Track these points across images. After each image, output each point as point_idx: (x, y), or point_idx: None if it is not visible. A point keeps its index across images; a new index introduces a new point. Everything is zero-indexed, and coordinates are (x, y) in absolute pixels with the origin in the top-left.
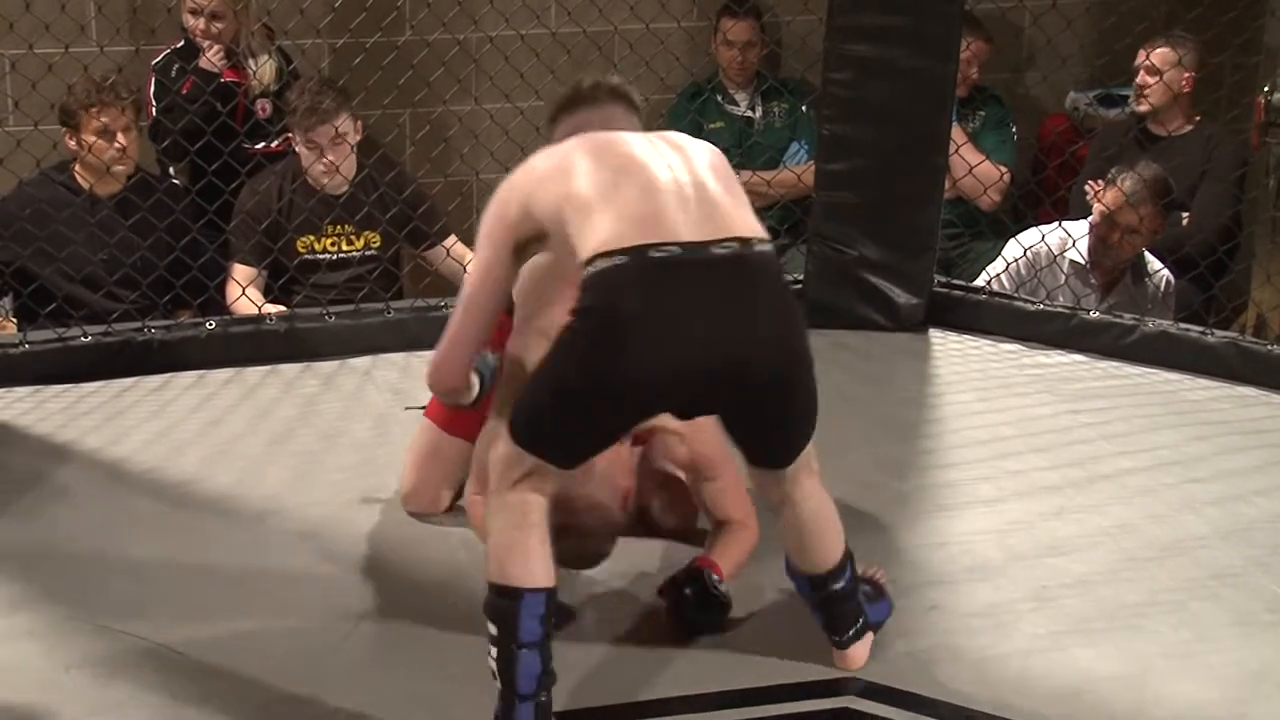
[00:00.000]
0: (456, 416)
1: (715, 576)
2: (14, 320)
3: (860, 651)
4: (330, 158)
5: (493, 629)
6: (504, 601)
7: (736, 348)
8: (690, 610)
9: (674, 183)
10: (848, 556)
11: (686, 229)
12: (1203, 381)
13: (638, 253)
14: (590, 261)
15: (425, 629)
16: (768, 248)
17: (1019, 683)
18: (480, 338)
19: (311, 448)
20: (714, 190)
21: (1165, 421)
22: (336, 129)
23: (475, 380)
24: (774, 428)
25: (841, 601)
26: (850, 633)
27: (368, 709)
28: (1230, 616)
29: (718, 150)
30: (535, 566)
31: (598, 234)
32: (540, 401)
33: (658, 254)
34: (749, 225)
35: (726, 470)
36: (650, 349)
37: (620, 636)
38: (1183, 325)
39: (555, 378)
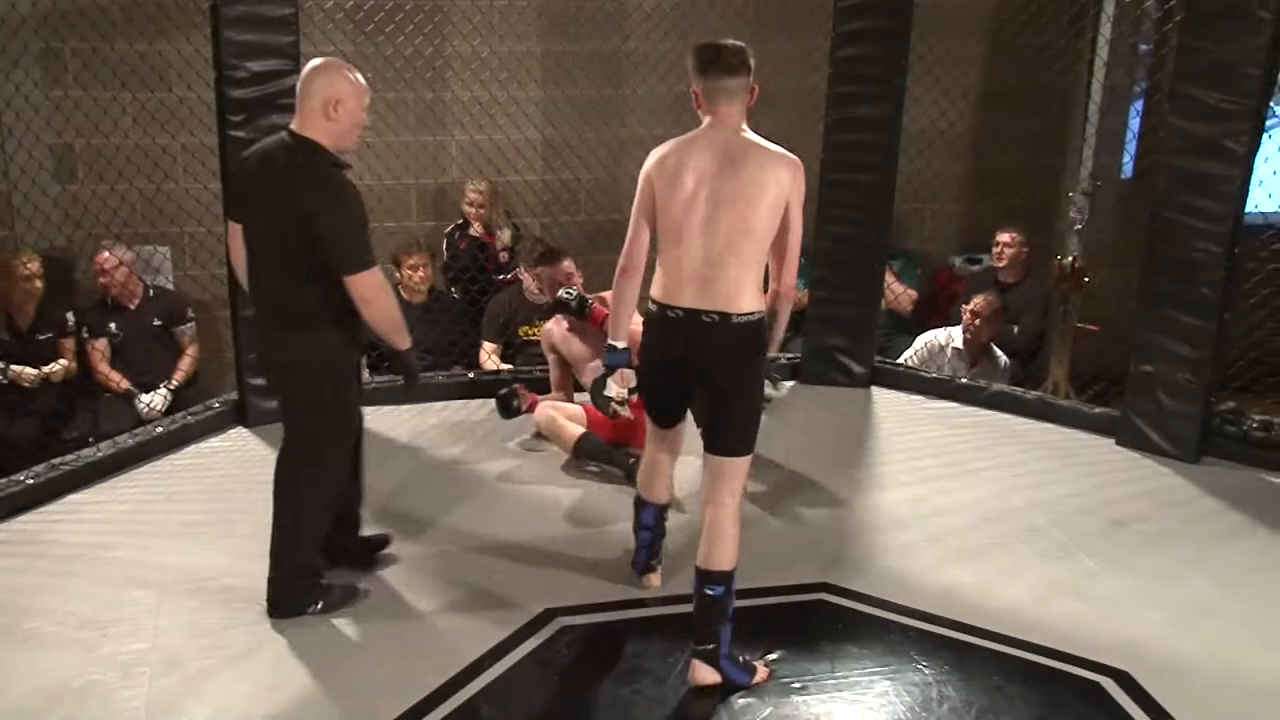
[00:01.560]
0: None
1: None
2: (368, 370)
3: (701, 673)
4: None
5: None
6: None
7: (688, 355)
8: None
9: (701, 263)
10: (728, 576)
11: (694, 300)
12: (1024, 420)
13: (661, 308)
14: (652, 298)
15: None
16: (744, 319)
17: (919, 588)
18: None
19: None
20: (728, 273)
21: (1003, 442)
22: (561, 266)
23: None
24: (711, 411)
25: (710, 610)
26: (705, 647)
27: None
28: (1036, 553)
29: (784, 184)
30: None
31: (656, 283)
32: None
33: (671, 314)
34: (734, 302)
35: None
36: (655, 350)
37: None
38: (1012, 387)
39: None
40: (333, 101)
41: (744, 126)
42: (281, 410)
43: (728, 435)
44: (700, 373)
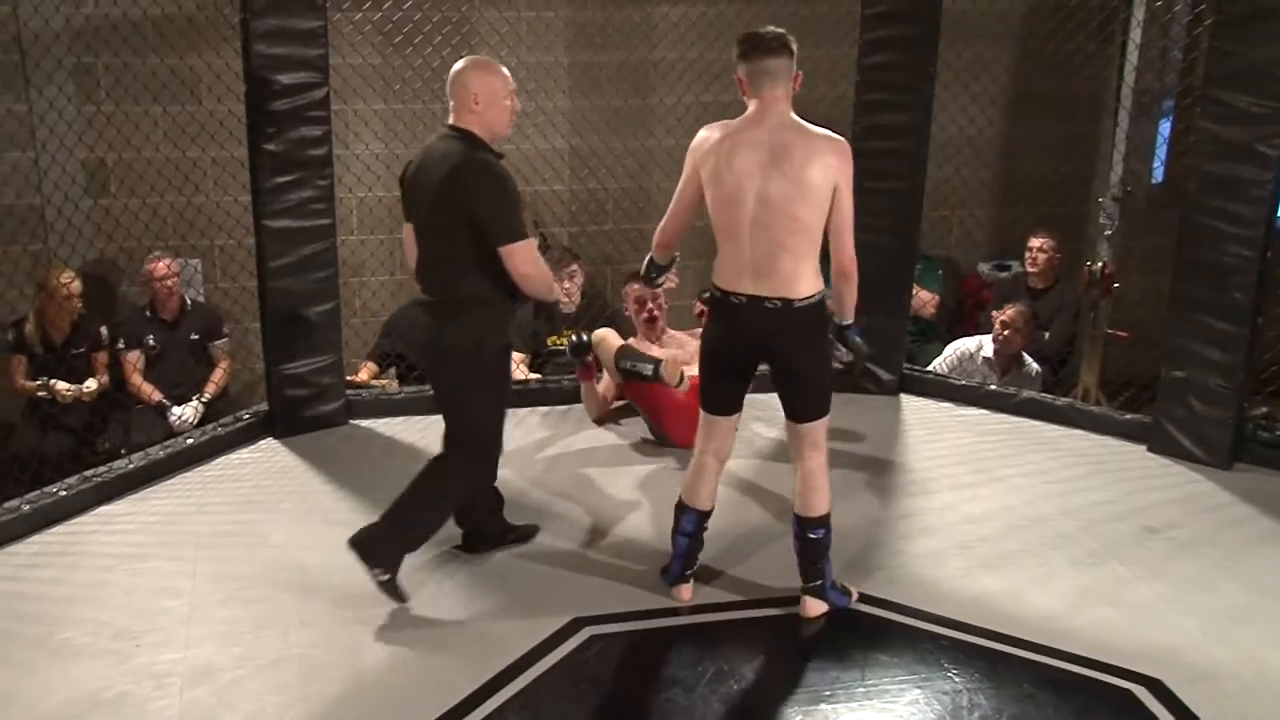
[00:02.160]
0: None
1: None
2: (396, 380)
3: (813, 606)
4: (566, 287)
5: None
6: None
7: (753, 338)
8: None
9: (757, 257)
10: (825, 519)
11: (754, 287)
12: (1054, 426)
13: (724, 294)
14: (714, 284)
15: None
16: (805, 303)
17: (949, 596)
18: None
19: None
20: (783, 265)
21: (1033, 448)
22: (571, 273)
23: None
24: (785, 385)
25: (812, 550)
26: (812, 584)
27: None
28: (1067, 559)
29: (831, 171)
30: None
31: (716, 270)
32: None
33: (735, 300)
34: (794, 289)
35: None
36: (719, 335)
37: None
38: (1043, 394)
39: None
40: (474, 94)
41: (789, 111)
42: (439, 397)
43: (804, 403)
44: (768, 352)
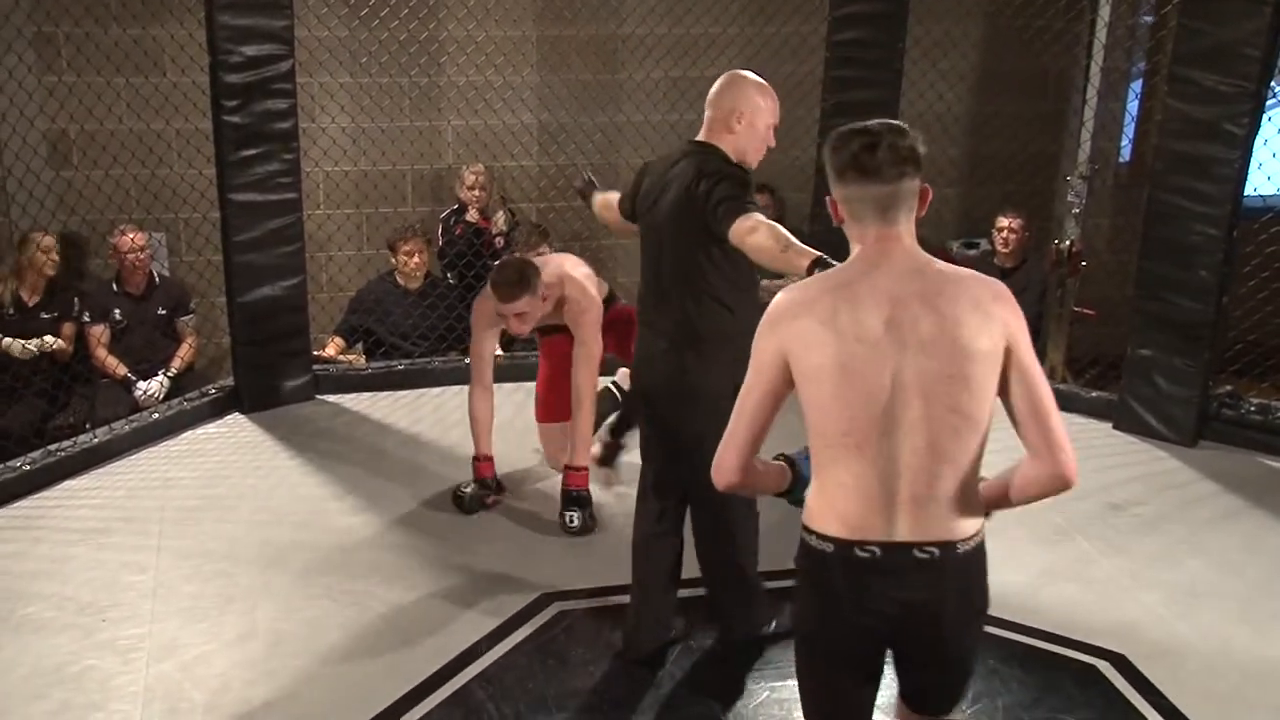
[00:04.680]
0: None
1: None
2: (363, 356)
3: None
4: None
5: None
6: None
7: (895, 614)
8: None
9: (899, 479)
10: None
11: (894, 529)
12: None
13: (839, 547)
14: (808, 530)
15: None
16: (970, 545)
17: None
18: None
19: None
20: (942, 485)
21: (999, 427)
22: (540, 253)
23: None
24: (922, 675)
25: None
26: None
27: None
28: (1033, 537)
29: (998, 327)
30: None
31: (818, 511)
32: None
33: (862, 553)
34: (956, 525)
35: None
36: (828, 617)
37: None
38: None
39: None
40: (738, 113)
41: (917, 247)
42: (668, 446)
43: (945, 697)
44: (911, 633)
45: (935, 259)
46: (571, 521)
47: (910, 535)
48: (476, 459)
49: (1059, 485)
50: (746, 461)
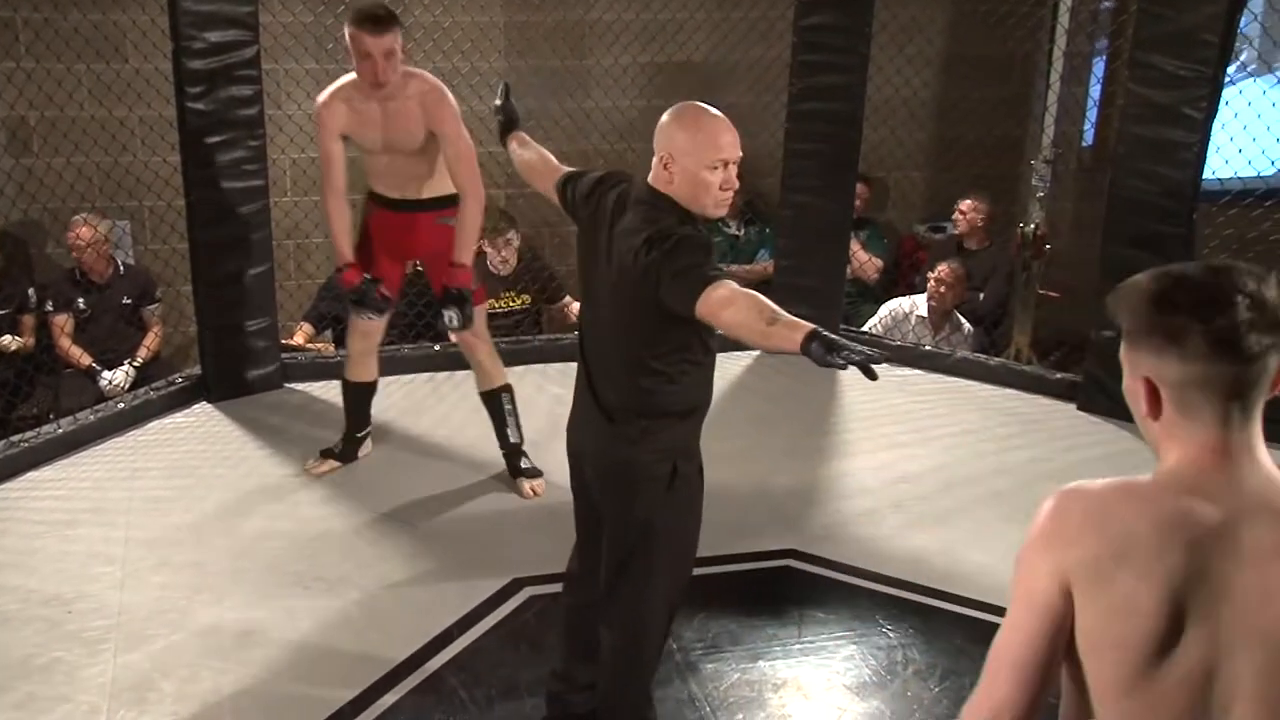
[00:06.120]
0: None
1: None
2: (332, 344)
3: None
4: (504, 254)
5: None
6: None
7: None
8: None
9: None
10: None
11: None
12: (987, 386)
13: None
14: None
15: None
16: None
17: (884, 553)
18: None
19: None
20: None
21: (966, 408)
22: (508, 239)
23: None
24: None
25: None
26: None
27: None
28: (999, 516)
29: None
30: None
31: None
32: None
33: None
34: None
35: None
36: None
37: None
38: (976, 354)
39: None
40: (664, 158)
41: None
42: (593, 518)
43: None
44: None
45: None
46: (451, 322)
47: None
48: (342, 268)
49: None
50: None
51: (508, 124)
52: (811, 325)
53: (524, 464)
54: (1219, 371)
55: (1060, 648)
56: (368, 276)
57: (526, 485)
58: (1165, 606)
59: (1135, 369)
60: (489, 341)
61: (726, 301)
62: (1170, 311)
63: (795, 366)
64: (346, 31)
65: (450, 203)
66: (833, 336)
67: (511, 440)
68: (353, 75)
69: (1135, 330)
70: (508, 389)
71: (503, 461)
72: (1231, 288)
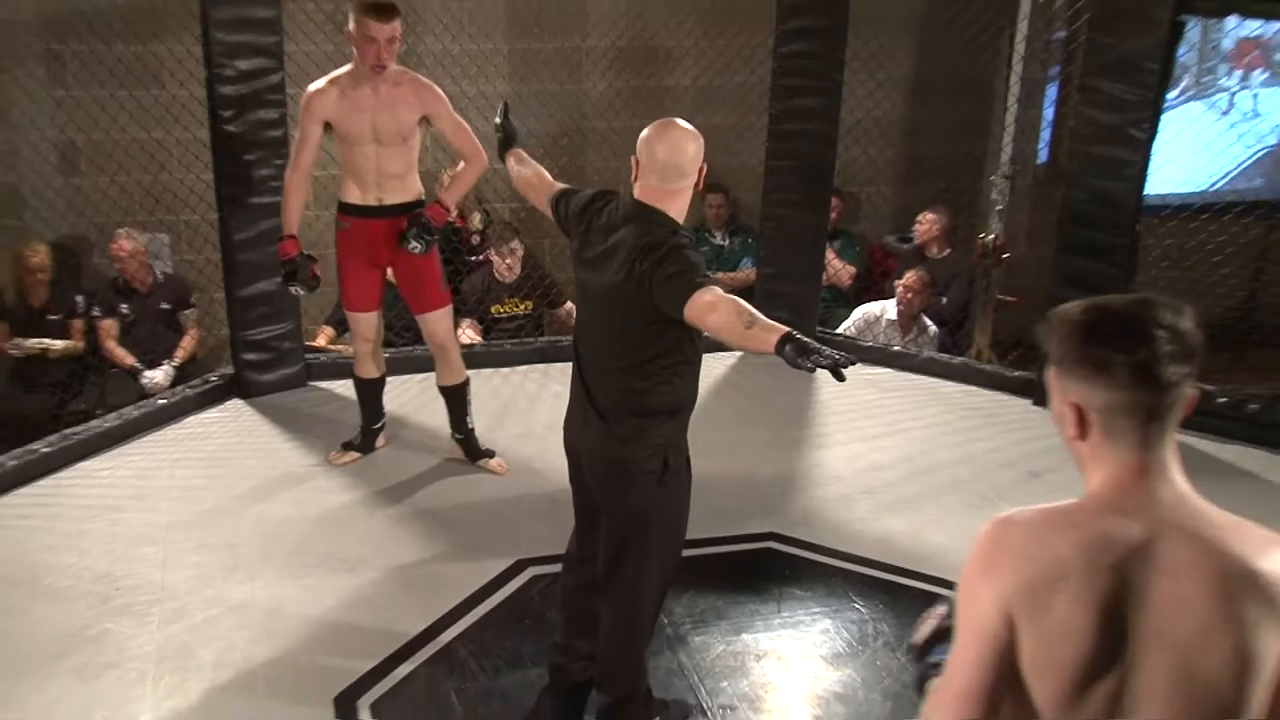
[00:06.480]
0: None
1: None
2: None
3: None
4: (508, 262)
5: None
6: None
7: None
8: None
9: None
10: None
11: None
12: (950, 383)
13: None
14: None
15: None
16: None
17: (857, 535)
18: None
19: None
20: None
21: (931, 403)
22: (512, 249)
23: None
24: None
25: None
26: None
27: None
28: (961, 502)
29: None
30: None
31: None
32: None
33: None
34: None
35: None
36: None
37: None
38: (941, 354)
39: None
40: (690, 183)
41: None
42: (590, 509)
43: None
44: None
45: (1209, 504)
46: (414, 248)
47: None
48: (282, 238)
49: None
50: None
51: (506, 141)
52: (786, 329)
53: (481, 446)
54: (1140, 398)
55: (1005, 674)
56: (305, 253)
57: (494, 463)
58: (1099, 627)
59: (1064, 395)
60: (455, 343)
61: (710, 306)
62: (1098, 344)
63: (777, 366)
64: (352, 18)
65: (418, 205)
66: (805, 340)
67: (469, 426)
68: (348, 67)
69: (1065, 359)
70: (466, 384)
71: (507, 451)
72: (1152, 321)
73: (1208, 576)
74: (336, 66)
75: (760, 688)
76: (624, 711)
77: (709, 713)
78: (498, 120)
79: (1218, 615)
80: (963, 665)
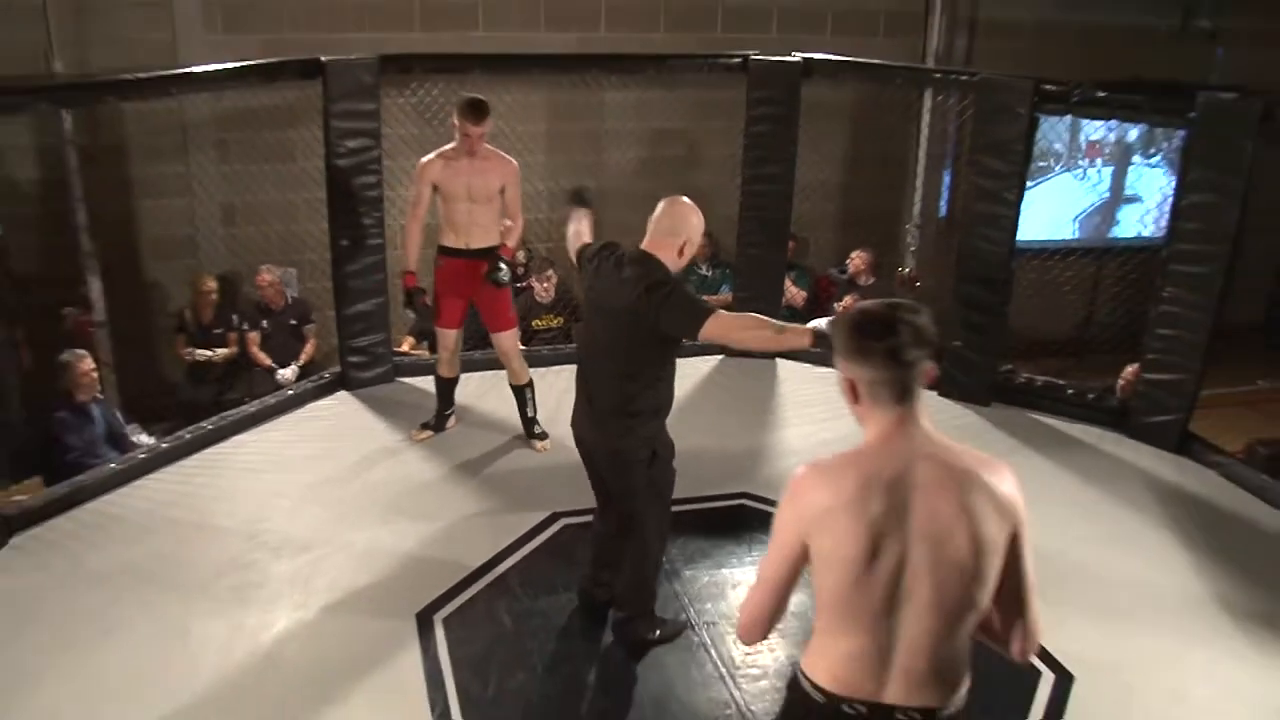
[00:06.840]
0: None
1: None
2: (427, 350)
3: None
4: (545, 286)
5: None
6: None
7: None
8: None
9: (898, 652)
10: None
11: (884, 693)
12: None
13: (830, 701)
14: (803, 674)
15: None
16: (951, 711)
17: None
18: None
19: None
20: (937, 660)
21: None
22: (549, 276)
23: None
24: None
25: None
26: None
27: None
28: None
29: (1010, 515)
30: None
31: (820, 659)
32: None
33: (848, 710)
34: (951, 692)
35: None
36: None
37: None
38: None
39: None
40: (687, 242)
41: (930, 426)
42: (601, 487)
43: None
44: None
45: (944, 438)
46: (504, 277)
47: (897, 700)
48: (404, 272)
49: (1015, 659)
50: (773, 626)
51: (579, 202)
52: (811, 327)
53: (537, 430)
54: (892, 374)
55: (798, 572)
56: (419, 287)
57: (538, 444)
58: (868, 535)
59: (844, 373)
60: (519, 354)
61: (736, 324)
62: (862, 336)
63: (748, 366)
64: (455, 115)
65: (497, 249)
66: (825, 331)
67: (529, 415)
68: (451, 145)
69: (843, 348)
70: (531, 384)
71: (545, 424)
72: (897, 320)
73: (947, 486)
74: (421, 146)
75: (735, 608)
76: (635, 625)
77: (696, 627)
78: (578, 189)
79: (958, 512)
80: (768, 564)
